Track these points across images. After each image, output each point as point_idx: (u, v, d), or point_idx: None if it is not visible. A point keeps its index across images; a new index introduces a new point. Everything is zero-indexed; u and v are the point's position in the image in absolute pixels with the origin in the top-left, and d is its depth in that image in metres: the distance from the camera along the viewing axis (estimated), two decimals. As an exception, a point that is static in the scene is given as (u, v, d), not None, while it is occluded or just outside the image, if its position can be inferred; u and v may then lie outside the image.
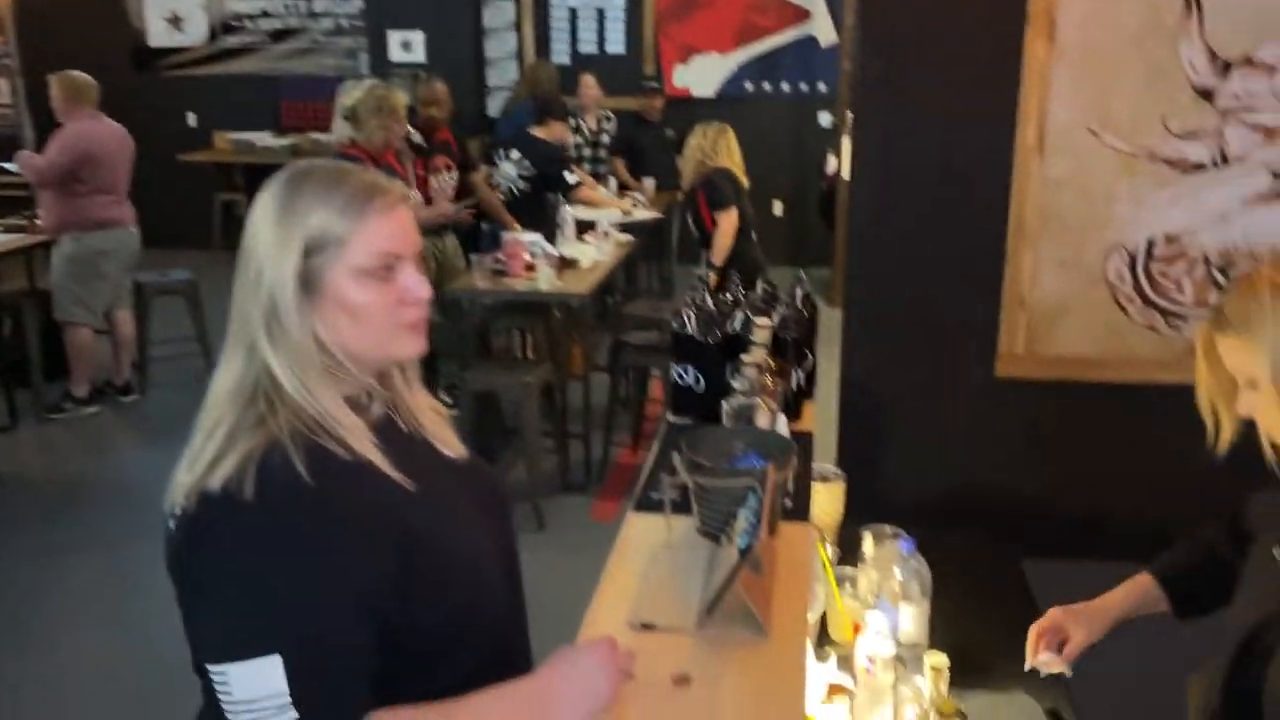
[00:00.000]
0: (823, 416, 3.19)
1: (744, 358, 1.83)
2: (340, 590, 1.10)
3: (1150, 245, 3.28)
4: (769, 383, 1.83)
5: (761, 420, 1.74)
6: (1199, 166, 3.26)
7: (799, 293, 2.15)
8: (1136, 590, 1.68)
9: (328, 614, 1.09)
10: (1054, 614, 1.69)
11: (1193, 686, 1.47)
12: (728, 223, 4.80)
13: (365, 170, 1.23)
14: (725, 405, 1.77)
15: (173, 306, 5.76)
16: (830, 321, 3.65)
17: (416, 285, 1.20)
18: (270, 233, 1.16)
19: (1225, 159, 3.23)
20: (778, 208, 8.18)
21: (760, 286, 2.22)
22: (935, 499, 3.24)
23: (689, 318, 2.08)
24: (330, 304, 1.16)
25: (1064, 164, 3.31)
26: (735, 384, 1.80)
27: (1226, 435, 1.45)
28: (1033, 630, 1.68)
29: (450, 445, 1.34)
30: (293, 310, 1.14)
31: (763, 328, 2.02)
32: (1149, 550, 1.60)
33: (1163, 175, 3.28)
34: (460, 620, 1.21)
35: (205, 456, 1.11)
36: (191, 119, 8.82)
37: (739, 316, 2.08)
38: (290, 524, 1.09)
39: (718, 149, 4.89)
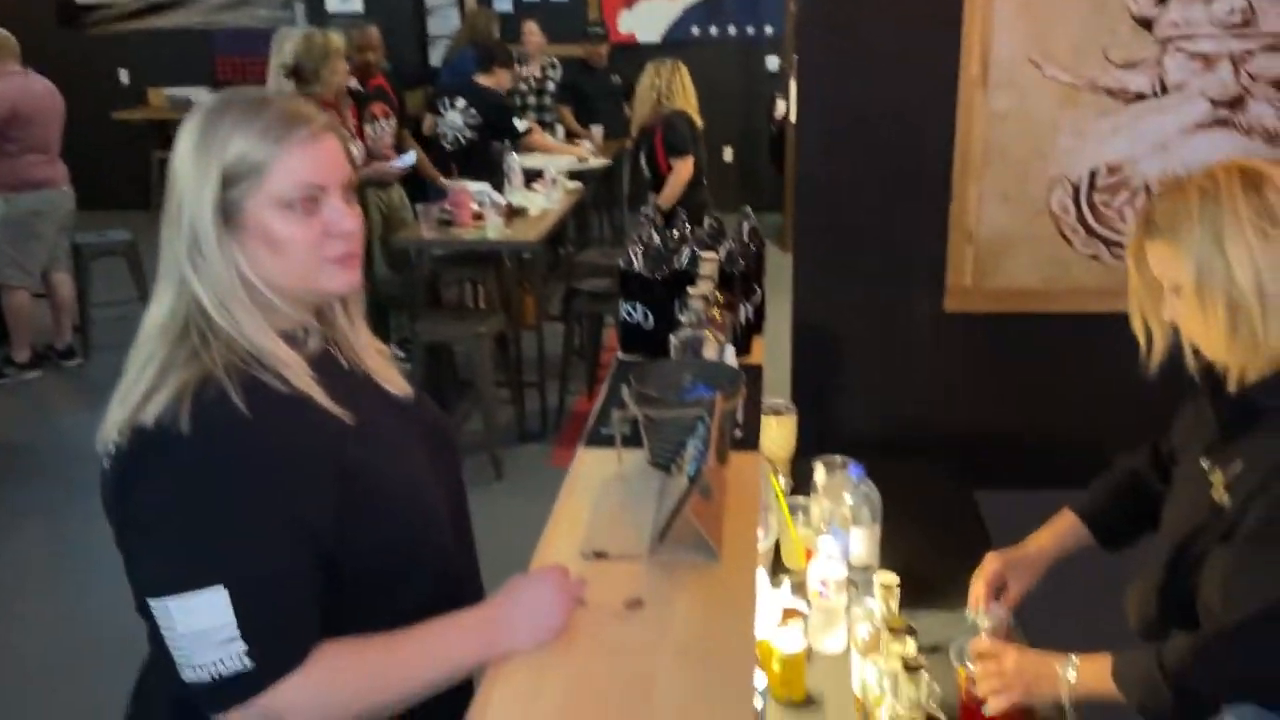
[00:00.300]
0: (776, 354, 3.22)
1: (690, 291, 1.84)
2: (280, 521, 1.10)
3: (1093, 176, 3.32)
4: (716, 315, 1.83)
5: (709, 352, 1.75)
6: (1139, 96, 3.30)
7: (745, 227, 2.16)
8: (1064, 529, 1.73)
9: (269, 545, 1.09)
10: (992, 563, 1.73)
11: (1130, 595, 1.51)
12: (684, 170, 4.78)
13: (290, 98, 1.20)
14: (673, 339, 1.77)
15: (113, 268, 5.65)
16: (782, 266, 3.67)
17: (342, 218, 1.17)
18: (189, 163, 1.13)
19: (1165, 88, 3.27)
20: (728, 153, 8.16)
21: (707, 223, 2.22)
22: (887, 432, 3.29)
23: (636, 255, 2.07)
24: (252, 236, 1.14)
25: (1007, 97, 3.33)
26: (682, 318, 1.80)
27: (1159, 347, 1.47)
28: (975, 581, 1.72)
29: (394, 384, 1.34)
30: (213, 242, 1.12)
31: (709, 261, 2.02)
32: (1071, 475, 1.65)
33: (1104, 105, 3.31)
34: (406, 554, 1.22)
35: (137, 392, 1.10)
36: (124, 76, 8.57)
37: (686, 252, 2.08)
38: (227, 456, 1.08)
39: (673, 89, 4.85)
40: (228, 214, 1.13)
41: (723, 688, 1.16)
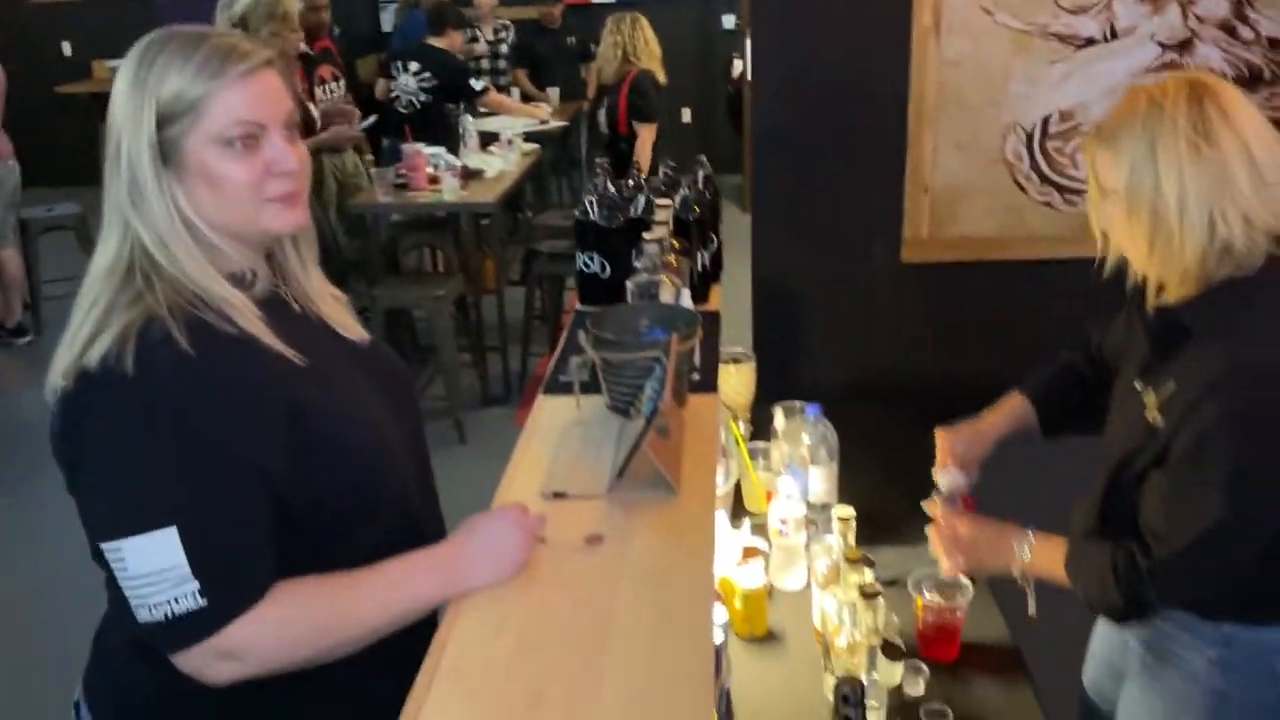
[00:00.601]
0: (736, 308, 3.23)
1: (645, 235, 1.84)
2: (230, 460, 1.09)
3: (1045, 122, 3.35)
4: (672, 261, 1.84)
5: (666, 297, 1.76)
6: (1090, 41, 3.33)
7: (700, 175, 2.16)
8: (1011, 409, 1.77)
9: (219, 483, 1.09)
10: (944, 437, 1.77)
11: (1075, 511, 1.55)
12: (649, 135, 4.76)
13: (228, 34, 1.18)
14: (629, 284, 1.78)
15: (61, 243, 5.54)
16: (743, 227, 3.67)
17: (285, 157, 1.16)
18: (125, 102, 1.12)
19: (1115, 33, 3.30)
20: (686, 115, 8.13)
21: (662, 171, 2.22)
22: (848, 381, 3.33)
23: (591, 205, 2.07)
24: (193, 176, 1.12)
25: (960, 44, 3.34)
26: (638, 264, 1.81)
27: (1112, 257, 1.48)
28: (938, 448, 1.76)
29: (350, 329, 1.33)
30: (151, 182, 1.11)
31: (664, 207, 2.02)
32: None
33: (1055, 51, 3.33)
34: (364, 495, 1.22)
35: (82, 335, 1.09)
36: (67, 48, 8.37)
37: (641, 201, 2.08)
38: (173, 395, 1.07)
39: (638, 45, 4.82)
40: (167, 153, 1.12)
41: (682, 615, 1.18)
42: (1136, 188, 1.35)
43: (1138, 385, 1.45)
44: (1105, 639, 1.70)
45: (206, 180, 1.13)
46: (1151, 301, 1.43)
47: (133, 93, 1.12)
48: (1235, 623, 1.42)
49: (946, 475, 1.71)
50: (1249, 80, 3.33)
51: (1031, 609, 1.55)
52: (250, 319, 1.15)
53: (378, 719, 1.02)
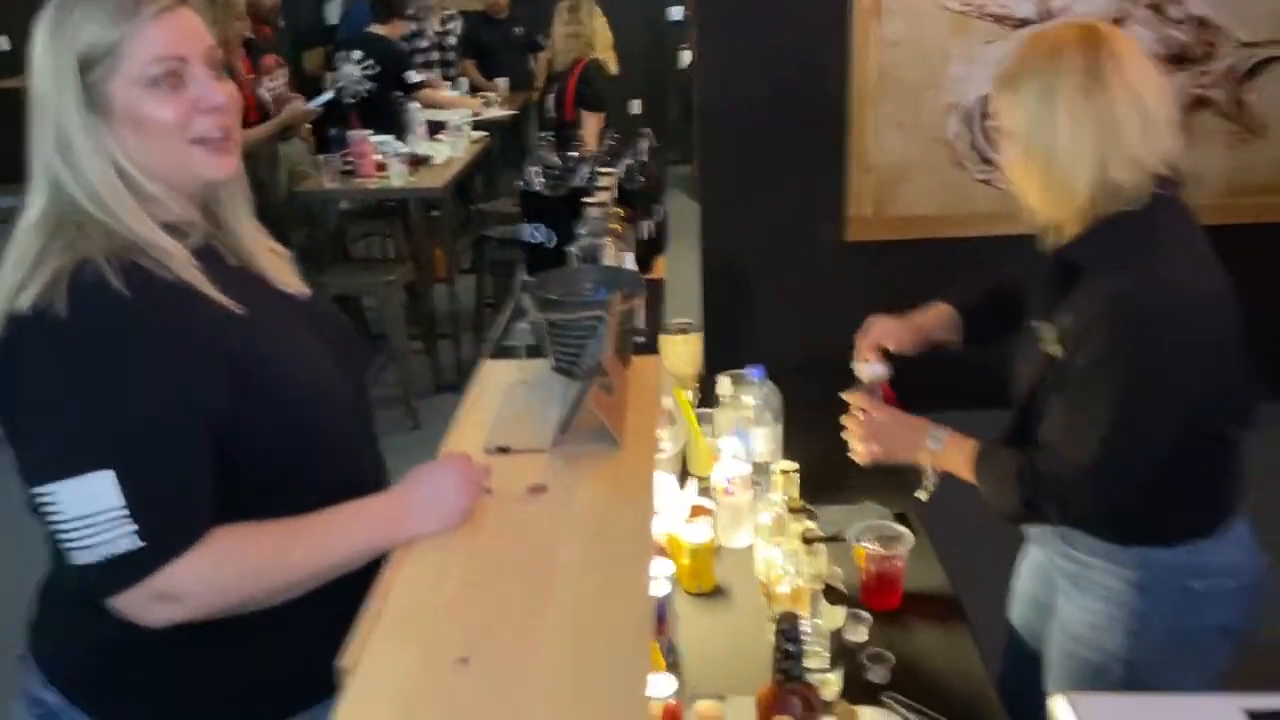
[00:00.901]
0: (685, 293, 3.26)
1: (586, 200, 1.85)
2: (166, 401, 1.09)
3: (983, 102, 3.41)
4: (615, 226, 1.85)
5: (609, 260, 1.77)
6: (1025, 22, 3.40)
7: (644, 145, 2.17)
8: (939, 313, 1.84)
9: (157, 425, 1.08)
10: (875, 324, 1.81)
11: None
12: (596, 123, 4.78)
13: None
14: (573, 248, 1.79)
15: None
16: (693, 216, 3.70)
17: (211, 92, 1.15)
18: (46, 58, 1.11)
19: (1049, 13, 3.37)
20: (635, 106, 8.15)
21: (606, 142, 2.23)
22: (794, 354, 3.36)
23: (535, 175, 2.08)
24: (121, 122, 1.12)
25: (899, 26, 3.40)
26: (582, 229, 1.82)
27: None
28: (859, 338, 1.80)
29: (289, 283, 1.32)
30: (81, 134, 1.10)
31: (606, 174, 2.04)
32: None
33: (991, 32, 3.40)
34: (304, 444, 1.21)
35: (11, 283, 1.08)
36: (4, 42, 8.19)
37: (585, 171, 2.09)
38: (106, 335, 1.07)
39: (589, 33, 4.84)
40: (93, 102, 1.11)
41: (623, 562, 1.19)
42: (1033, 131, 1.42)
43: (1035, 324, 1.53)
44: (1029, 575, 1.76)
45: (134, 125, 1.12)
46: (1049, 244, 1.51)
47: (51, 44, 1.11)
48: (1148, 545, 1.50)
49: (867, 366, 1.75)
50: (1179, 59, 3.42)
51: (924, 494, 1.63)
52: (187, 267, 1.14)
53: (321, 662, 1.02)
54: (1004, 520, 1.56)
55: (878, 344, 1.77)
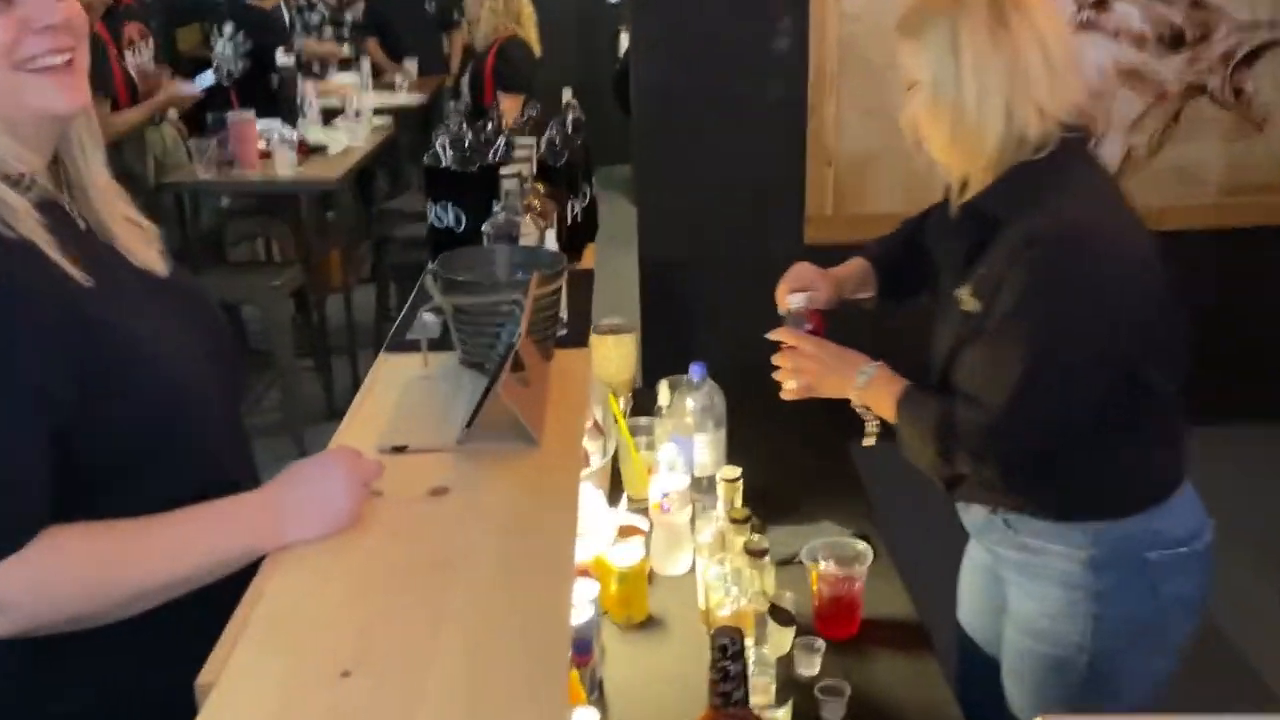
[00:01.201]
0: (624, 298, 3.28)
1: (503, 171, 1.86)
2: (5, 380, 1.06)
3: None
4: (535, 203, 1.86)
5: (528, 240, 1.78)
6: (1001, -6, 3.49)
7: (569, 117, 2.19)
8: (859, 266, 1.97)
9: None
10: (798, 269, 1.92)
11: None
12: (514, 107, 4.80)
13: None
14: (486, 226, 1.79)
15: None
16: (632, 220, 3.72)
17: (44, 7, 1.13)
18: None
19: (1026, -15, 3.47)
20: (566, 94, 8.19)
21: (525, 113, 2.24)
22: (741, 366, 3.38)
23: (443, 148, 2.08)
24: None
25: (860, -3, 3.47)
26: (496, 206, 1.82)
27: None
28: (781, 281, 1.91)
29: (146, 260, 1.30)
30: None
31: (524, 146, 2.05)
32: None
33: (965, 5, 3.49)
34: (160, 434, 1.19)
35: None
36: None
37: (501, 145, 2.10)
38: None
39: (512, 9, 4.87)
40: None
41: (537, 573, 1.19)
42: (939, 79, 1.55)
43: (950, 288, 1.65)
44: (974, 576, 1.88)
45: None
46: (956, 200, 1.65)
47: None
48: (1100, 519, 1.62)
49: (789, 297, 1.85)
50: (1171, 40, 3.54)
51: (870, 439, 1.73)
52: (29, 224, 1.12)
53: (186, 677, 1.00)
54: (926, 476, 1.66)
55: (793, 287, 1.88)
